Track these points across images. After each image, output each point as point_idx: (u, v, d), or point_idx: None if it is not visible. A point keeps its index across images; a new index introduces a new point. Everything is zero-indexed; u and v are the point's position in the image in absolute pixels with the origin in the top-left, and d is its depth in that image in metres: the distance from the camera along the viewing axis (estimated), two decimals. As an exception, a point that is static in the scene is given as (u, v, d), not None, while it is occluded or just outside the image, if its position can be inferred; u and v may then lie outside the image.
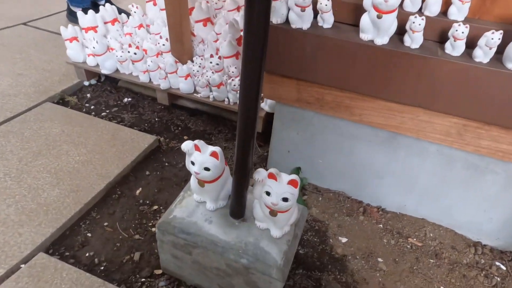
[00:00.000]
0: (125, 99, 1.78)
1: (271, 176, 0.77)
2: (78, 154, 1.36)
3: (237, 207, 0.89)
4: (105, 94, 1.81)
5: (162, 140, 1.55)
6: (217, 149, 0.81)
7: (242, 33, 1.72)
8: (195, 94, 1.60)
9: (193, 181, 0.91)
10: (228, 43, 1.57)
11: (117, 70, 1.72)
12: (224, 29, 1.69)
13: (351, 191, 1.36)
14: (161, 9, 1.93)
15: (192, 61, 1.65)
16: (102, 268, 1.05)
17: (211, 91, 1.56)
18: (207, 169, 0.81)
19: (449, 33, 0.87)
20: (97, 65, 1.72)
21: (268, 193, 0.77)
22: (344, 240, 1.24)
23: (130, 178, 1.35)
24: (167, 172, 1.41)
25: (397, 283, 1.11)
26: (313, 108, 1.15)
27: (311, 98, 1.12)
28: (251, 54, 0.60)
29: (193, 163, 0.81)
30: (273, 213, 0.81)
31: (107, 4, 1.84)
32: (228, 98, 1.55)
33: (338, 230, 1.26)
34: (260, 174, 0.80)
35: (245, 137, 0.73)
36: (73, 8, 2.36)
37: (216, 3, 2.06)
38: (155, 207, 1.26)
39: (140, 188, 1.32)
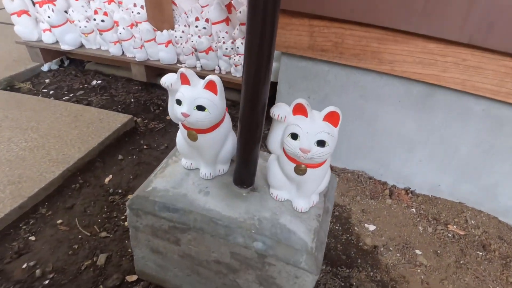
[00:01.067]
0: (94, 82, 1.50)
1: (299, 109, 0.52)
2: (26, 140, 1.06)
3: (245, 172, 0.62)
4: (68, 79, 1.52)
5: (140, 121, 1.27)
6: (214, 77, 0.55)
7: (232, 1, 1.53)
8: (178, 65, 1.35)
9: (180, 138, 0.64)
10: (216, 5, 1.34)
11: (81, 46, 1.44)
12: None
13: (373, 170, 1.11)
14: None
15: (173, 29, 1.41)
16: (47, 282, 0.73)
17: (198, 59, 1.31)
18: (201, 108, 0.54)
19: None
20: (56, 42, 1.44)
21: (294, 136, 0.51)
22: (372, 227, 0.98)
23: (97, 164, 1.06)
24: (145, 156, 1.12)
25: (444, 282, 0.86)
26: (330, 58, 0.91)
27: (328, 43, 0.89)
28: None
29: (179, 102, 0.55)
30: (300, 169, 0.55)
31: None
32: (218, 66, 1.31)
33: (363, 216, 1.01)
34: (282, 108, 0.54)
35: (258, 62, 0.48)
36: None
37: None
38: (130, 196, 0.96)
39: (111, 175, 1.02)
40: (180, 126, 0.61)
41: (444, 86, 0.86)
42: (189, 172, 0.66)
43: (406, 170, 1.06)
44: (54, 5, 1.47)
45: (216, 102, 0.56)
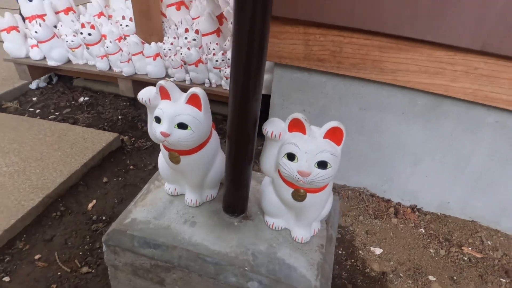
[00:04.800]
0: (81, 99, 1.43)
1: (296, 125, 0.45)
2: (6, 164, 0.98)
3: (236, 197, 0.54)
4: (56, 96, 1.45)
5: (126, 139, 1.20)
6: (197, 90, 0.48)
7: (224, 12, 1.49)
8: (167, 79, 1.28)
9: (162, 161, 0.57)
10: (207, 16, 1.30)
11: (69, 61, 1.39)
12: (201, 5, 1.43)
13: (376, 187, 1.04)
14: None
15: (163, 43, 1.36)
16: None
17: (187, 72, 1.25)
18: (183, 126, 0.47)
19: None
20: (44, 59, 1.38)
21: (291, 157, 0.44)
22: (378, 251, 0.90)
23: (80, 188, 0.98)
24: (132, 178, 1.05)
25: (465, 316, 0.77)
26: (328, 68, 0.85)
27: (325, 53, 0.83)
28: None
29: (158, 120, 0.48)
30: (298, 194, 0.48)
31: (59, -10, 1.54)
32: (209, 79, 1.25)
33: (367, 238, 0.93)
34: (275, 125, 0.47)
35: (246, 74, 0.42)
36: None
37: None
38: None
39: (94, 201, 0.95)
40: (161, 147, 0.54)
41: (453, 96, 0.79)
42: (173, 199, 0.59)
43: (411, 186, 0.99)
44: (43, 20, 1.42)
45: (200, 118, 0.49)
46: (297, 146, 0.44)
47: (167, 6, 1.54)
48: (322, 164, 0.43)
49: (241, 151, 0.50)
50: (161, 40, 1.38)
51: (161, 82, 0.49)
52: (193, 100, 0.48)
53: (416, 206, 1.02)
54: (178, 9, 1.58)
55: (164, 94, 0.49)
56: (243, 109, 0.46)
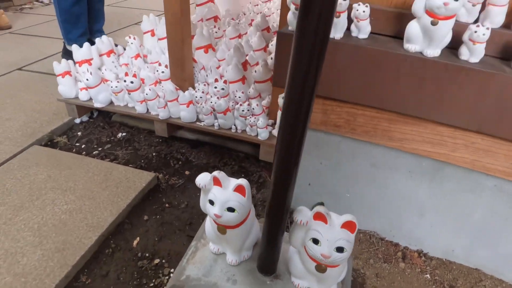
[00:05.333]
0: (119, 134, 1.61)
1: (319, 217, 0.58)
2: (66, 202, 1.15)
3: (269, 260, 0.68)
4: (97, 131, 1.63)
5: (161, 177, 1.36)
6: (243, 182, 0.62)
7: (247, 57, 1.64)
8: (197, 123, 1.44)
9: (209, 227, 0.71)
10: (234, 66, 1.45)
11: (111, 103, 1.57)
12: (228, 54, 1.59)
13: (385, 231, 1.16)
14: (159, 39, 1.83)
15: (194, 88, 1.52)
16: None
17: (216, 118, 1.41)
18: (231, 209, 0.62)
19: None
20: (90, 99, 1.57)
21: (316, 241, 0.58)
22: (387, 293, 1.01)
23: (125, 226, 1.14)
24: (167, 215, 1.20)
25: None
26: (342, 132, 0.99)
27: (341, 121, 0.97)
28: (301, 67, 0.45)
29: (212, 203, 0.62)
30: (321, 268, 0.61)
31: (104, 36, 1.74)
32: (235, 125, 1.39)
33: (377, 281, 1.04)
34: (303, 214, 0.61)
35: (286, 163, 0.55)
36: (69, 48, 2.26)
37: (216, 32, 1.99)
38: (157, 260, 1.03)
39: (138, 238, 1.10)
40: (210, 218, 0.69)
41: (454, 164, 0.91)
42: (217, 258, 0.73)
43: (418, 233, 1.10)
44: (90, 64, 1.61)
45: (244, 203, 0.63)
46: (320, 233, 0.58)
47: (196, 48, 1.71)
48: (340, 249, 0.57)
49: (276, 228, 0.63)
50: (192, 85, 1.54)
51: (215, 173, 0.63)
52: (239, 189, 0.62)
53: (423, 251, 1.13)
54: (206, 51, 1.75)
55: (217, 181, 0.63)
56: (283, 196, 0.59)
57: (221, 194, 0.62)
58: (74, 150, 1.50)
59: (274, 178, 0.58)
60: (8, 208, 1.14)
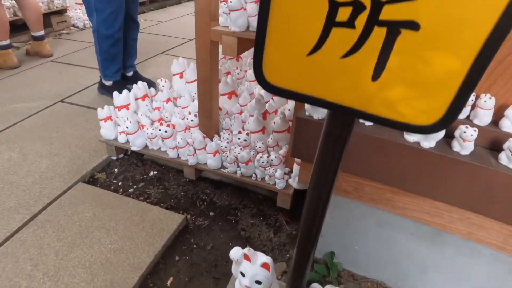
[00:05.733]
0: (151, 173, 1.80)
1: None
2: (110, 242, 1.35)
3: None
4: (131, 168, 1.84)
5: (189, 218, 1.54)
6: (268, 260, 0.79)
7: (267, 105, 1.81)
8: (222, 170, 1.62)
9: (237, 286, 0.87)
10: (255, 119, 1.62)
11: (146, 146, 1.77)
12: (250, 104, 1.76)
13: (392, 282, 1.28)
14: (187, 82, 2.03)
15: (219, 135, 1.69)
16: None
17: (238, 166, 1.57)
18: (258, 282, 0.78)
19: (505, 146, 0.87)
20: (127, 141, 1.77)
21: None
22: None
23: (160, 265, 1.31)
24: (196, 256, 1.37)
25: None
26: (351, 197, 1.13)
27: (350, 188, 1.11)
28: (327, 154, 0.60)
29: (243, 275, 0.79)
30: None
31: (139, 82, 1.95)
32: (255, 173, 1.56)
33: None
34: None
35: (304, 251, 0.71)
36: (105, 82, 2.51)
37: (238, 74, 2.17)
38: (187, 301, 1.20)
39: (171, 278, 1.27)
40: (238, 283, 0.85)
41: (451, 233, 1.03)
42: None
43: (422, 286, 1.22)
44: (128, 109, 1.83)
45: (269, 277, 0.79)
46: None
47: (220, 95, 1.89)
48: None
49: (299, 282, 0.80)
50: (217, 133, 1.72)
51: (245, 250, 0.79)
52: (265, 266, 0.79)
53: (426, 301, 1.25)
54: (229, 98, 1.93)
55: (247, 257, 0.80)
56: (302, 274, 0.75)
57: (251, 268, 0.79)
58: (112, 187, 1.70)
59: (300, 238, 0.74)
60: (64, 245, 1.34)
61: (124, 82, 2.59)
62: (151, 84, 2.66)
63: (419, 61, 0.40)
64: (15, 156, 1.89)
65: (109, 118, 1.77)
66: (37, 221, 1.46)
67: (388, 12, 0.39)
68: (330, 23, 0.42)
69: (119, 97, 1.81)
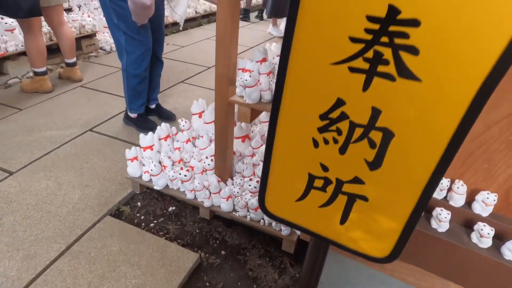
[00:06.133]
0: (170, 208, 2.01)
1: None
2: (134, 276, 1.55)
3: None
4: (153, 203, 2.05)
5: (203, 256, 1.72)
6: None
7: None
8: (233, 213, 1.80)
9: None
10: (264, 168, 1.80)
11: (167, 186, 1.98)
12: (261, 150, 1.94)
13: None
14: (206, 123, 2.24)
15: (232, 178, 1.88)
16: None
17: (248, 211, 1.75)
18: None
19: (475, 228, 1.01)
20: (150, 180, 1.99)
21: None
22: None
23: (177, 301, 1.50)
24: (208, 294, 1.55)
25: None
26: (343, 255, 1.29)
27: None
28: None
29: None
30: None
31: (163, 124, 2.18)
32: (263, 219, 1.73)
33: None
34: None
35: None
36: (130, 114, 2.76)
37: (251, 115, 2.36)
38: (199, 337, 1.38)
39: (186, 314, 1.46)
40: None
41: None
42: None
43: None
44: (152, 149, 2.05)
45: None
46: None
47: (234, 138, 2.09)
48: None
49: None
50: (231, 176, 1.91)
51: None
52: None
53: None
54: (243, 141, 2.13)
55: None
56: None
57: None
58: (135, 221, 1.92)
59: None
60: (95, 277, 1.55)
61: (147, 114, 2.83)
62: (171, 116, 2.90)
63: (370, 219, 0.57)
64: (51, 185, 2.14)
65: (135, 158, 2.00)
66: (72, 252, 1.69)
67: (347, 187, 0.56)
68: (310, 187, 0.60)
69: (145, 139, 2.04)
